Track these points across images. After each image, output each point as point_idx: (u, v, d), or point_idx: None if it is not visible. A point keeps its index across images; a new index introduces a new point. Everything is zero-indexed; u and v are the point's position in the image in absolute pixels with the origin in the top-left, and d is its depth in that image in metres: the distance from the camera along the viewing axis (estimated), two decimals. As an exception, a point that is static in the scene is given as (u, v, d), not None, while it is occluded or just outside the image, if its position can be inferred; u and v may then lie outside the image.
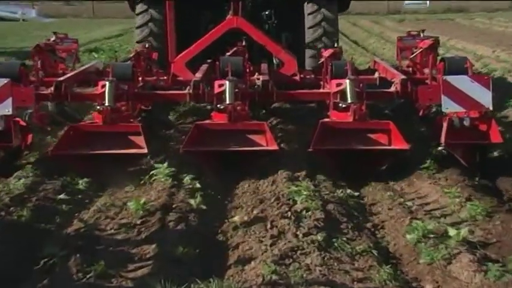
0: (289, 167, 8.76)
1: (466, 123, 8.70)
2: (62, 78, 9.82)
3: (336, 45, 11.99)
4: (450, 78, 8.80)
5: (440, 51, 20.20)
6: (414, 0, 59.04)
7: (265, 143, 8.72)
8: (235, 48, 11.37)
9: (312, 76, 11.47)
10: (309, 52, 12.62)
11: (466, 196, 7.74)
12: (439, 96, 8.74)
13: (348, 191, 8.29)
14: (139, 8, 12.86)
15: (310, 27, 12.64)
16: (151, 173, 8.57)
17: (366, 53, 24.48)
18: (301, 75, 11.56)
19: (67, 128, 9.01)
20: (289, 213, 7.01)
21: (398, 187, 8.62)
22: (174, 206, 7.45)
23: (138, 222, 6.99)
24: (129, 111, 9.61)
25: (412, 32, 12.84)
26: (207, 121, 9.09)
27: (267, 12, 13.71)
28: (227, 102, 8.96)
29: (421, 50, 11.20)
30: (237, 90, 9.18)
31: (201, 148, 8.68)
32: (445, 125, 8.68)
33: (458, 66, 9.64)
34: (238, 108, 9.07)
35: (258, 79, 10.46)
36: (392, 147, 8.67)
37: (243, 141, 8.71)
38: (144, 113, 11.28)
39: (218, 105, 9.04)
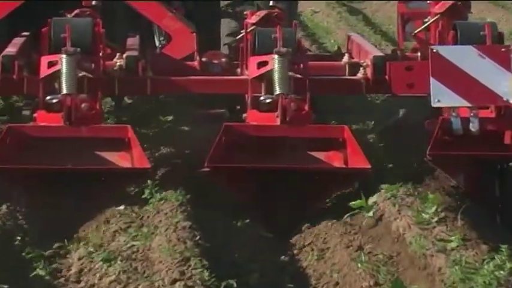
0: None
1: (474, 127, 6.10)
2: None
3: (273, 3, 7.52)
4: (443, 50, 6.25)
5: None
6: None
7: (130, 159, 6.19)
8: (77, 11, 7.15)
9: (224, 60, 7.46)
10: (227, 23, 8.16)
11: None
12: (427, 81, 6.17)
13: None
14: None
15: None
16: None
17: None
18: (203, 59, 7.39)
19: None
20: None
21: None
22: None
23: None
24: None
25: None
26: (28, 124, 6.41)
27: None
28: (63, 92, 6.17)
29: (435, 18, 7.23)
30: (82, 74, 6.31)
31: (14, 165, 6.07)
32: (436, 127, 6.12)
33: (473, 35, 6.63)
34: (84, 105, 6.25)
35: (121, 59, 6.89)
36: (346, 166, 6.16)
37: (90, 155, 6.22)
38: None
39: (47, 99, 6.28)
